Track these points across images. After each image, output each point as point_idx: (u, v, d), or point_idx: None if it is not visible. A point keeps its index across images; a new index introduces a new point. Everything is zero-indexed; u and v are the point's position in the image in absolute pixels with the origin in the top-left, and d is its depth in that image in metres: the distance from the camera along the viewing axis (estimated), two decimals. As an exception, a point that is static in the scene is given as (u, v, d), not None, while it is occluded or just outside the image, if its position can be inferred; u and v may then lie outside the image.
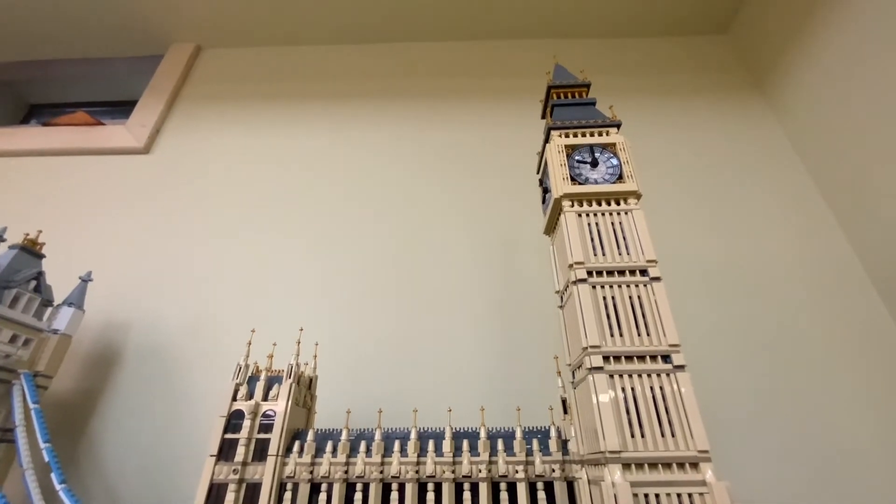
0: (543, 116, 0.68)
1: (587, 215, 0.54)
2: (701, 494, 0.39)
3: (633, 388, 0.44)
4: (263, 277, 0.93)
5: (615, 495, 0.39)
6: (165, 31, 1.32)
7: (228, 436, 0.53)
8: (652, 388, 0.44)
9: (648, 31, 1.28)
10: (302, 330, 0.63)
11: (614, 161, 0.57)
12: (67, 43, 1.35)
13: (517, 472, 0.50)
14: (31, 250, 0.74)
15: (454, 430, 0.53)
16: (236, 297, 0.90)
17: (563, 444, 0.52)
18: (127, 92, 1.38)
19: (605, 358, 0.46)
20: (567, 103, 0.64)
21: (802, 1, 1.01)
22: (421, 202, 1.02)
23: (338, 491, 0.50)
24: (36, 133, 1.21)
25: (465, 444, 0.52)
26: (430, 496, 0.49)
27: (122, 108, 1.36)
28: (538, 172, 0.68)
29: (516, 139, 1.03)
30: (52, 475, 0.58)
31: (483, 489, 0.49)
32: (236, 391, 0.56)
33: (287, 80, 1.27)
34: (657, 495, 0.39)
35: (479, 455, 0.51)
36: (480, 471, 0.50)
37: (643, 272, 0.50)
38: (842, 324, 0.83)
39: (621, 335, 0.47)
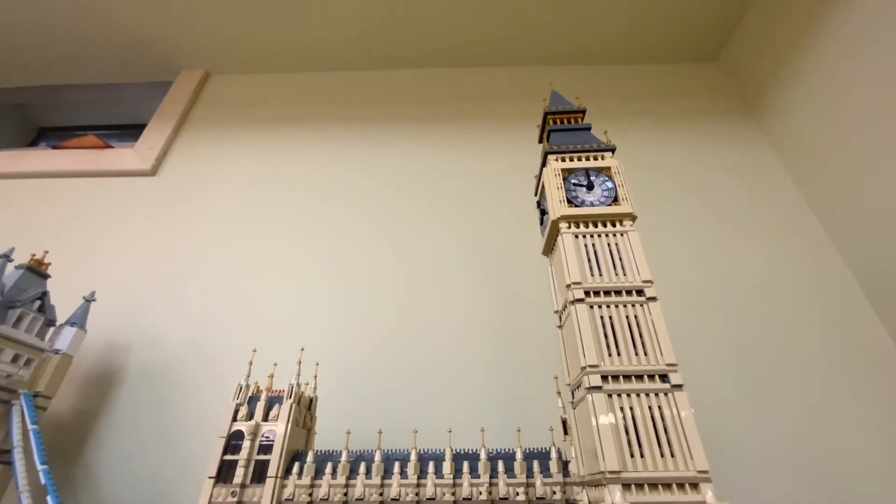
0: (540, 141, 0.70)
1: (584, 236, 0.55)
2: (701, 515, 0.39)
3: (631, 408, 0.44)
4: (266, 298, 0.94)
5: (616, 517, 0.39)
6: (175, 57, 1.37)
7: (228, 457, 0.53)
8: (650, 408, 0.44)
9: (642, 58, 1.32)
10: (303, 350, 0.63)
11: (609, 184, 0.58)
12: (79, 68, 1.39)
13: (518, 494, 0.49)
14: (36, 270, 0.75)
15: (454, 452, 0.53)
16: (238, 318, 0.91)
17: (564, 466, 0.51)
18: (136, 116, 1.42)
19: (604, 377, 0.46)
20: (563, 129, 0.66)
21: (789, 29, 1.06)
22: (421, 224, 1.03)
23: (337, 513, 0.50)
24: (45, 155, 1.24)
25: (466, 465, 0.52)
26: (430, 519, 0.49)
27: (131, 131, 1.39)
28: (536, 195, 0.69)
29: (514, 162, 1.06)
30: (49, 498, 0.57)
31: (483, 512, 0.49)
32: (237, 411, 0.56)
33: (292, 105, 1.31)
34: (658, 516, 0.39)
35: (479, 477, 0.51)
36: (481, 493, 0.50)
37: (639, 292, 0.51)
38: (839, 339, 0.83)
39: (619, 354, 0.47)
